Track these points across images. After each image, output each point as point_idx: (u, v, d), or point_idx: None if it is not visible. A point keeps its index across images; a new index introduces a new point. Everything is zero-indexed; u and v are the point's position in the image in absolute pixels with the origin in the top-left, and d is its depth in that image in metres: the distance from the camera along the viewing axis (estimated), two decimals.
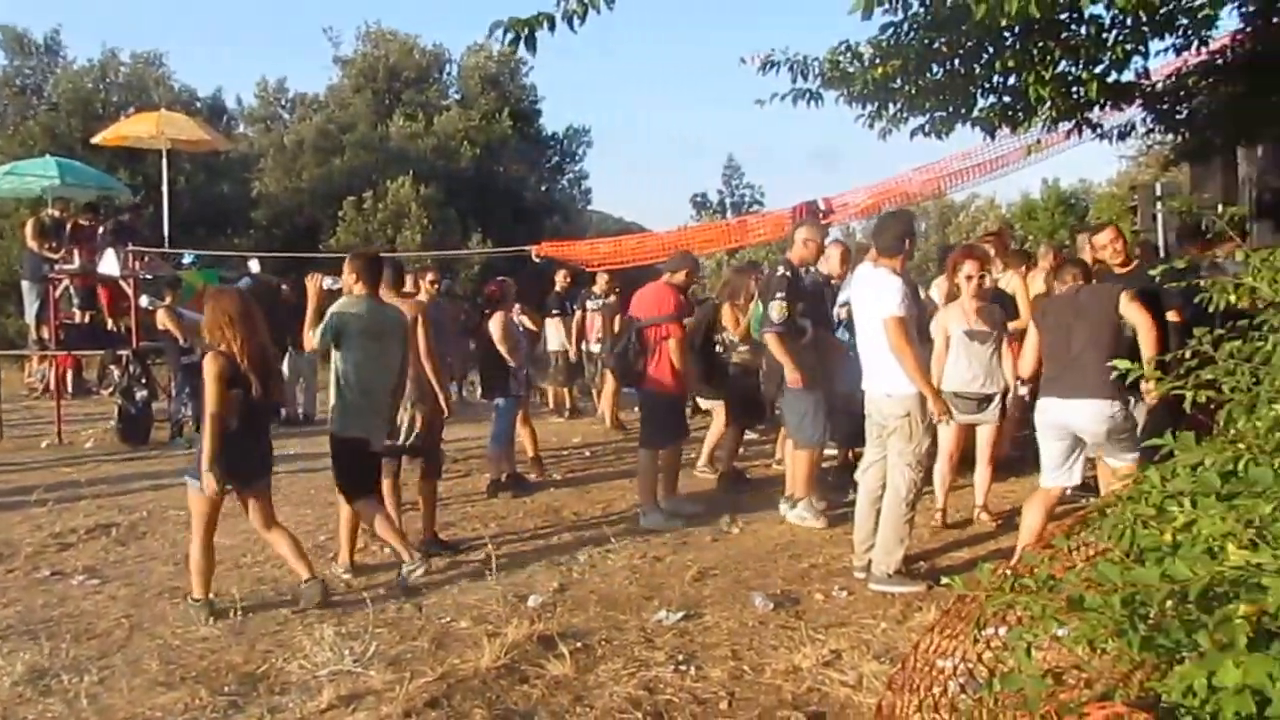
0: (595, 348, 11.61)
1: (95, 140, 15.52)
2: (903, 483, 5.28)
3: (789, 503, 6.85)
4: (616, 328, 11.02)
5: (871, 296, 5.35)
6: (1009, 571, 2.45)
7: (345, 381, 5.60)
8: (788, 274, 6.58)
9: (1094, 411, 5.00)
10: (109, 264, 11.10)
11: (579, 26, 4.78)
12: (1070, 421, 5.09)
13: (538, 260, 14.13)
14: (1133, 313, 5.11)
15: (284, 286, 12.67)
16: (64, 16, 48.79)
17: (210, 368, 4.93)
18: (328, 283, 5.89)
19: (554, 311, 12.30)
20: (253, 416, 5.07)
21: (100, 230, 11.92)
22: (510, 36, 4.76)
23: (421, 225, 21.39)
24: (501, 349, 7.85)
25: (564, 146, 28.74)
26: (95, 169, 14.84)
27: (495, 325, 7.91)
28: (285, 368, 11.96)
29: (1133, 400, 5.33)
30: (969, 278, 6.37)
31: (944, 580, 4.35)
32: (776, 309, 6.49)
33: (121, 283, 11.10)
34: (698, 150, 70.85)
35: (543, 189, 27.24)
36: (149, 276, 11.48)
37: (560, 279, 12.77)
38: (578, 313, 12.20)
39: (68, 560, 6.28)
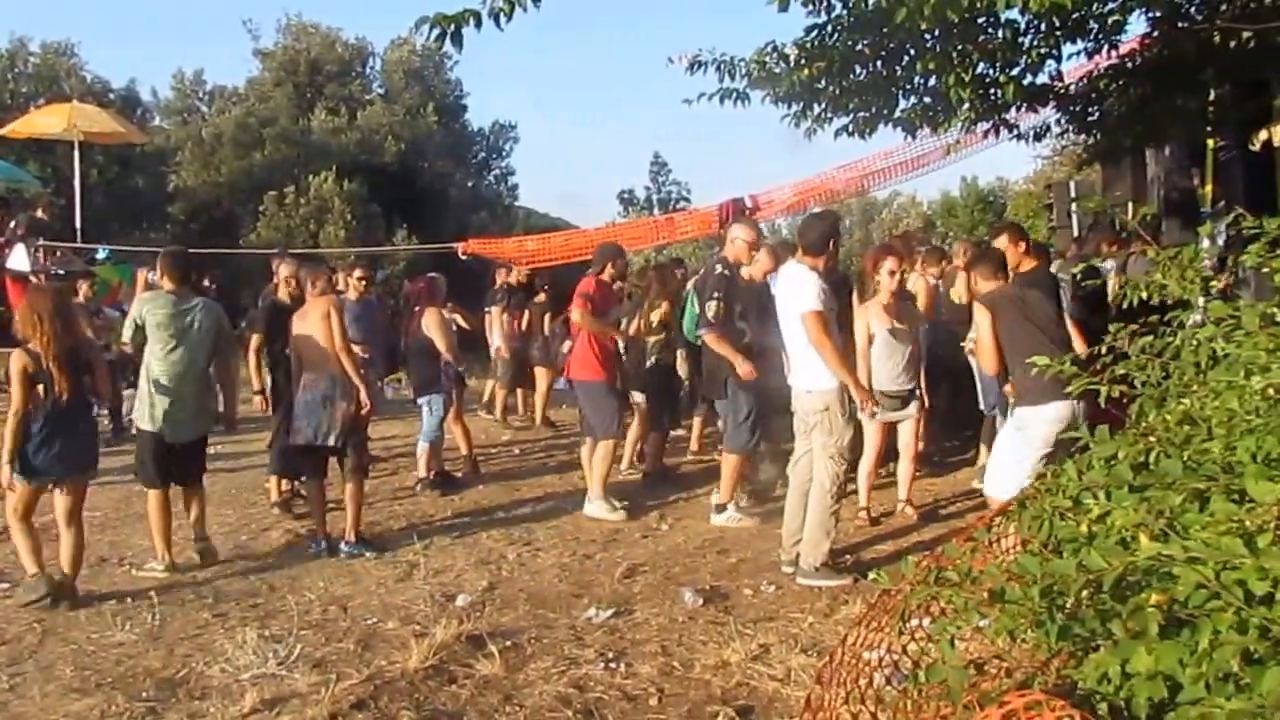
0: (511, 343, 11.45)
1: (3, 132, 14.96)
2: (826, 475, 5.36)
3: (716, 509, 6.83)
4: (547, 325, 11.01)
5: (791, 293, 5.44)
6: (932, 565, 2.50)
7: (147, 374, 5.79)
8: (725, 273, 6.61)
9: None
10: (19, 259, 10.74)
11: (505, 24, 4.75)
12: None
13: (464, 257, 13.98)
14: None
15: (207, 282, 12.42)
16: None
17: (14, 364, 5.08)
18: (152, 277, 6.02)
19: (487, 310, 12.16)
20: (61, 414, 5.13)
21: (11, 224, 11.51)
22: (436, 33, 4.71)
23: (345, 221, 21.03)
24: (440, 345, 7.75)
25: (490, 142, 28.47)
26: (3, 161, 14.32)
27: (431, 321, 7.82)
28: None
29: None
30: (891, 273, 6.49)
31: (870, 574, 4.42)
32: (713, 308, 6.51)
33: (32, 278, 10.73)
34: (624, 147, 70.75)
35: (469, 185, 26.96)
36: (61, 272, 11.13)
37: (500, 276, 12.64)
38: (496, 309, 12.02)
39: None
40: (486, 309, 11.79)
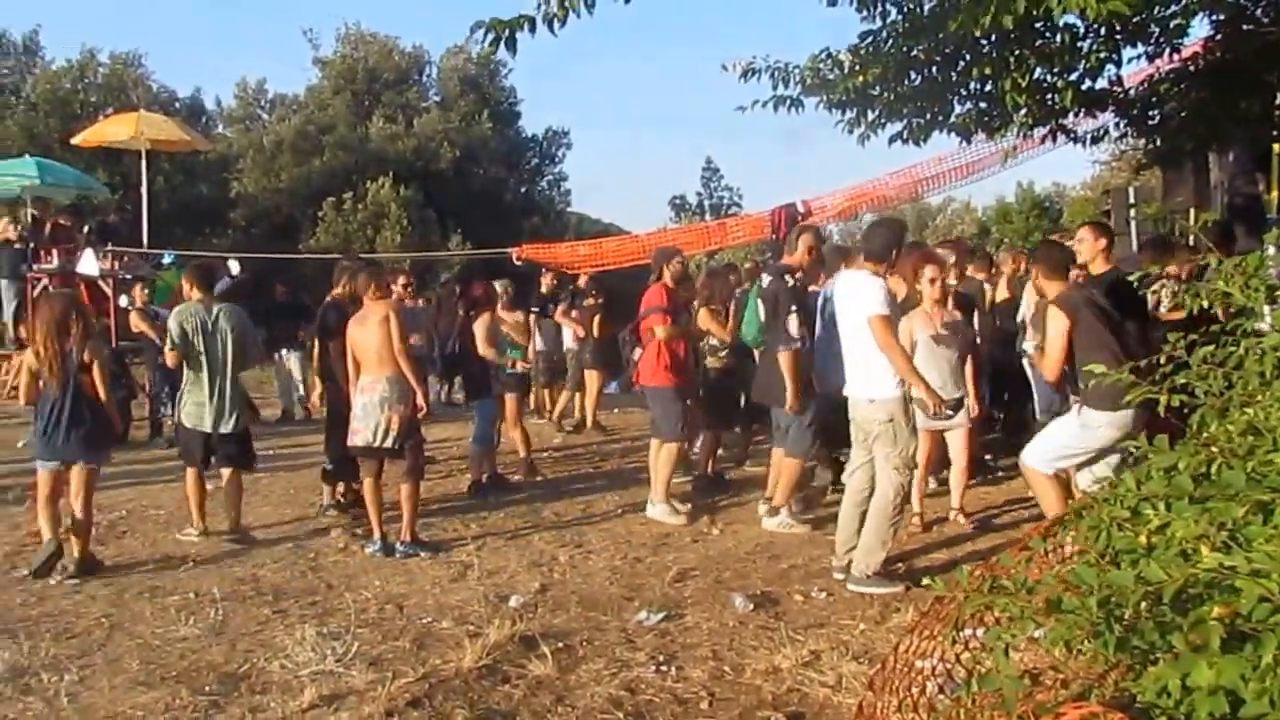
0: (573, 346, 11.56)
1: (75, 141, 15.38)
2: (890, 486, 5.30)
3: (769, 512, 6.82)
4: (596, 329, 11.07)
5: (855, 298, 5.37)
6: (986, 574, 2.49)
7: (185, 375, 6.61)
8: (794, 285, 6.52)
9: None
10: (88, 264, 11.04)
11: (559, 30, 4.81)
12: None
13: (518, 262, 14.11)
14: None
15: (280, 286, 12.76)
16: (43, 17, 48.31)
17: (24, 362, 6.01)
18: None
19: (534, 310, 12.28)
20: (58, 408, 5.79)
21: (82, 230, 11.86)
22: (491, 38, 4.79)
23: (401, 226, 21.35)
24: (483, 351, 7.85)
25: (543, 148, 28.70)
26: (74, 169, 14.71)
27: (480, 326, 7.92)
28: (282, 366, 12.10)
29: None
30: (931, 281, 6.41)
31: (923, 582, 4.40)
32: (795, 325, 6.37)
33: (100, 283, 11.04)
34: (677, 152, 70.78)
35: (522, 190, 27.21)
36: (128, 276, 11.42)
37: (546, 281, 12.76)
38: (555, 313, 12.14)
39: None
40: (533, 312, 11.91)
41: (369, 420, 6.22)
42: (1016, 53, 6.24)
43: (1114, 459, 4.98)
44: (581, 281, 12.16)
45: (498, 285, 9.31)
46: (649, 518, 7.00)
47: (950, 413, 5.89)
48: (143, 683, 4.26)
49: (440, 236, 21.70)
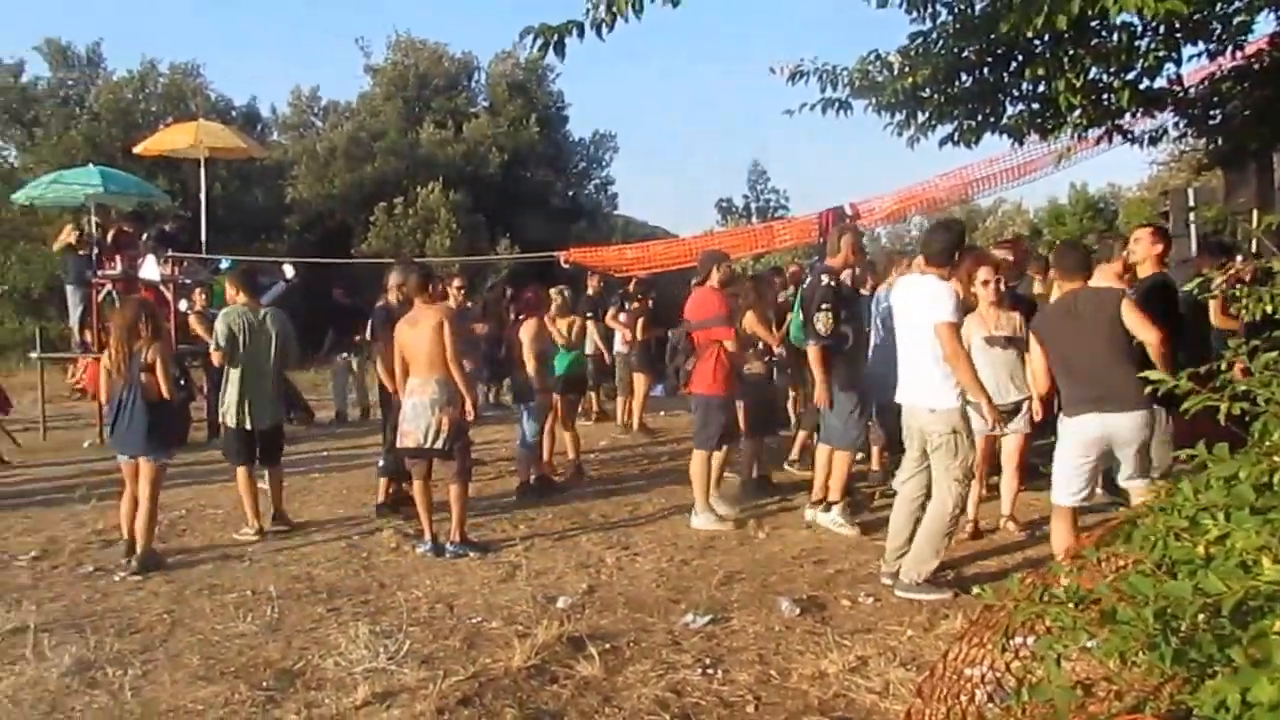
0: (623, 349, 11.63)
1: (136, 150, 15.69)
2: (950, 498, 5.23)
3: (822, 507, 6.86)
4: (640, 332, 11.10)
5: (920, 303, 5.24)
6: (1038, 582, 2.47)
7: (228, 375, 6.96)
8: (832, 283, 6.57)
9: (1133, 422, 4.75)
10: (150, 270, 11.27)
11: (607, 34, 4.84)
12: (1111, 436, 4.83)
13: (566, 265, 14.18)
14: (1132, 321, 4.73)
15: (338, 289, 12.97)
16: (105, 29, 49.49)
17: (102, 362, 6.56)
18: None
19: (587, 316, 12.35)
20: (125, 405, 6.16)
21: (144, 237, 12.10)
22: (540, 43, 4.82)
23: (450, 230, 21.54)
24: (526, 355, 7.90)
25: (590, 152, 28.80)
26: (136, 177, 15.01)
27: (526, 331, 7.97)
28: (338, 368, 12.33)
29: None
30: (985, 283, 6.30)
31: (973, 589, 4.35)
32: (822, 321, 6.47)
33: (161, 288, 11.27)
34: (723, 155, 70.54)
35: (569, 194, 27.33)
36: (187, 282, 11.65)
37: (593, 284, 12.83)
38: (605, 316, 12.22)
39: (110, 557, 6.41)
40: (586, 316, 11.97)
41: (419, 422, 6.29)
42: (1071, 52, 6.15)
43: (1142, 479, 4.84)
44: (632, 285, 12.20)
45: (553, 291, 9.33)
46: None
47: (1008, 420, 5.83)
48: (202, 677, 4.36)
49: (489, 240, 21.86)
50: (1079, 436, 4.84)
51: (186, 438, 10.49)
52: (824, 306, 6.47)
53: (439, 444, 6.30)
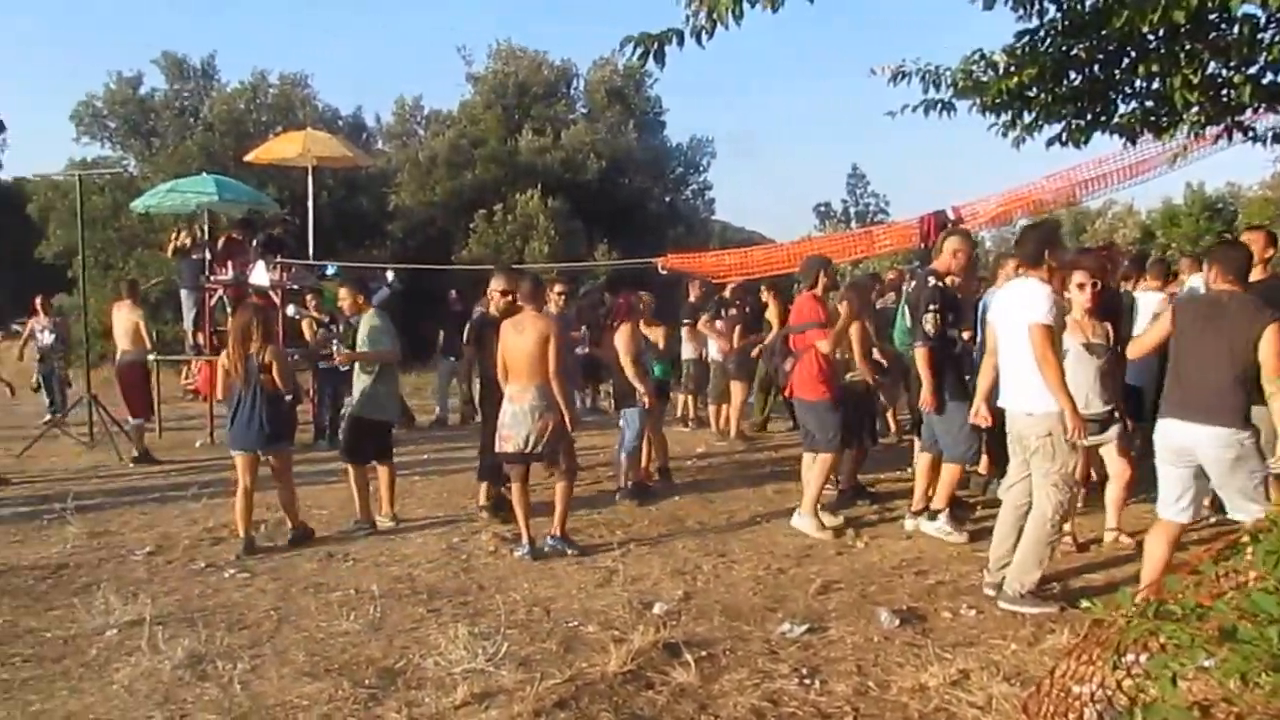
0: (717, 356, 11.59)
1: (248, 159, 16.25)
2: (1049, 504, 5.11)
3: (926, 516, 6.77)
4: (737, 339, 11.06)
5: (1018, 305, 5.17)
6: (1151, 597, 2.38)
7: (372, 377, 7.33)
8: (938, 284, 6.50)
9: (1215, 438, 4.55)
10: (259, 275, 11.66)
11: (707, 42, 4.83)
12: (1192, 448, 4.66)
13: (664, 272, 14.20)
14: (1269, 349, 4.44)
15: (453, 294, 13.27)
16: (219, 42, 51.68)
17: (220, 363, 6.98)
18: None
19: (686, 321, 12.37)
20: (243, 404, 6.64)
21: (253, 243, 12.53)
22: (639, 52, 4.84)
23: (549, 237, 21.81)
24: (623, 360, 7.94)
25: (687, 157, 28.85)
26: (247, 186, 15.54)
27: (621, 336, 8.02)
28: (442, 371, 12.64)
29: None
30: (1080, 286, 6.11)
31: (1081, 603, 4.21)
32: (930, 322, 6.41)
33: (270, 293, 11.65)
34: (821, 159, 69.97)
35: (666, 200, 27.41)
36: (295, 287, 12.02)
37: (694, 290, 12.84)
38: (701, 321, 12.19)
39: (220, 554, 6.64)
40: (685, 322, 11.98)
41: (519, 428, 6.37)
42: (1187, 48, 5.91)
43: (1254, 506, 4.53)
44: (727, 292, 12.15)
45: (645, 296, 9.37)
46: (793, 528, 6.95)
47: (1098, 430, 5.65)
48: (308, 673, 4.48)
49: (586, 246, 22.06)
50: (1161, 440, 4.80)
51: (295, 437, 10.86)
52: (931, 307, 6.42)
53: (538, 449, 6.39)
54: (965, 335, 7.03)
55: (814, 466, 6.98)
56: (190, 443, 11.29)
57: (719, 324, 11.58)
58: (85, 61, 64.63)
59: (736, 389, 11.13)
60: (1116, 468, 6.33)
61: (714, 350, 11.61)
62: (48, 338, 12.99)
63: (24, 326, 14.25)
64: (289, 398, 6.91)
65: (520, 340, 6.42)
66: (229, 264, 11.98)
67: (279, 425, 6.81)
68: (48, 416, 12.40)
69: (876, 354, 7.87)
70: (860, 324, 7.52)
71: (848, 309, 7.00)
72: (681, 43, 4.79)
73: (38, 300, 13.37)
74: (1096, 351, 6.04)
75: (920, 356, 6.52)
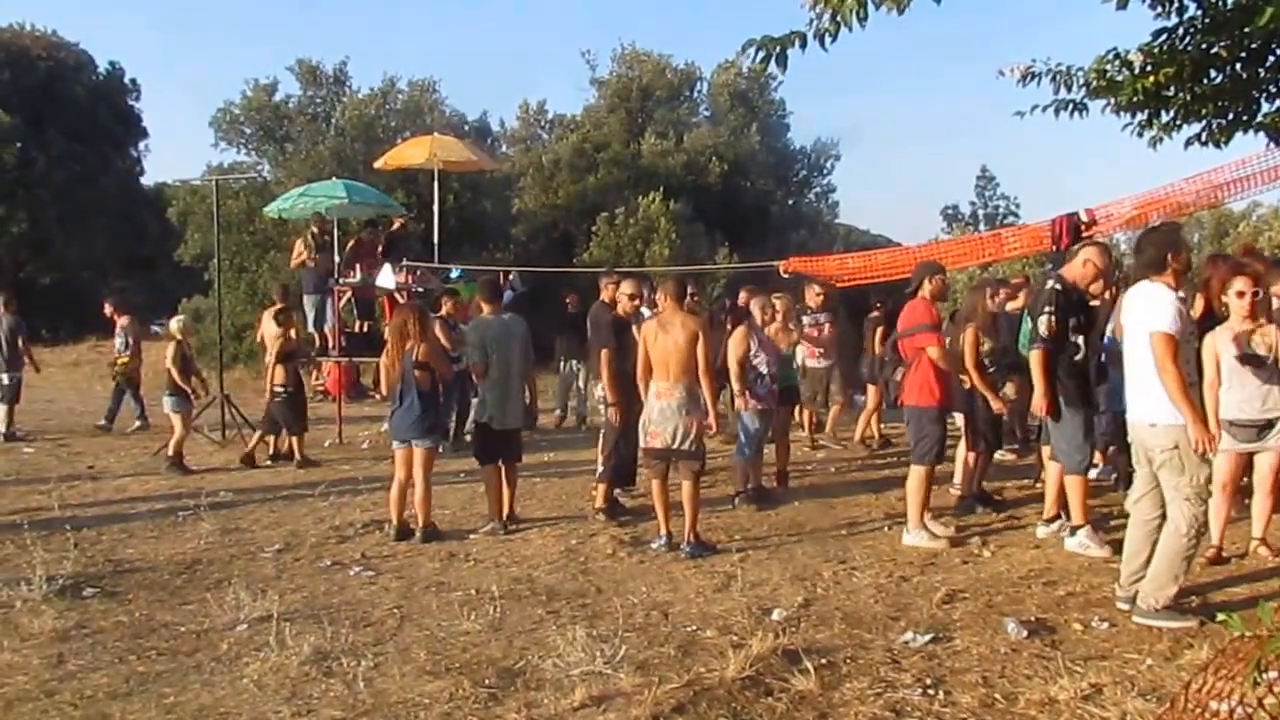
0: (812, 363, 11.31)
1: (377, 165, 16.74)
2: (1183, 518, 4.90)
3: (1065, 530, 6.61)
4: (878, 343, 10.89)
5: (1141, 311, 5.02)
6: None
7: (490, 378, 7.43)
8: (1057, 287, 6.35)
9: None
10: (385, 278, 12.04)
11: (830, 44, 4.79)
12: None
13: (785, 275, 14.10)
14: None
15: (572, 296, 13.53)
16: (351, 49, 53.65)
17: (380, 361, 7.54)
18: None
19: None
20: (401, 399, 7.07)
21: (378, 248, 12.93)
22: (761, 55, 4.83)
23: (670, 240, 21.86)
24: (730, 363, 7.94)
25: (811, 160, 28.54)
26: (376, 190, 16.00)
27: (733, 339, 8.03)
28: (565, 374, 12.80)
29: None
30: (1240, 294, 5.85)
31: (1219, 618, 4.04)
32: (1045, 324, 6.27)
33: (397, 295, 12.00)
34: (949, 161, 68.37)
35: (789, 203, 27.18)
36: (420, 289, 12.34)
37: (811, 295, 12.68)
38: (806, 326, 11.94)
39: (346, 552, 6.87)
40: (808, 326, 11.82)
41: (667, 425, 6.49)
42: None
43: None
44: (809, 300, 11.75)
45: (775, 301, 9.12)
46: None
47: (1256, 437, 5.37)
48: (429, 672, 4.59)
49: (708, 250, 22.05)
50: None
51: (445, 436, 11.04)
52: (1047, 309, 6.27)
53: (687, 445, 6.52)
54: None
55: (911, 479, 6.86)
56: (320, 442, 11.69)
57: (810, 329, 11.35)
58: (227, 69, 67.88)
59: (871, 393, 10.98)
60: (1266, 477, 6.03)
61: (806, 356, 11.37)
62: (119, 343, 12.89)
63: (163, 328, 14.72)
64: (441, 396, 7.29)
65: (667, 339, 6.53)
66: (357, 267, 12.39)
67: (433, 418, 7.21)
68: (137, 423, 12.66)
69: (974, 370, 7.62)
70: (972, 329, 7.34)
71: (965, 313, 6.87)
72: (804, 46, 4.76)
73: (107, 307, 13.20)
74: (1254, 363, 5.79)
75: (1034, 358, 6.35)
